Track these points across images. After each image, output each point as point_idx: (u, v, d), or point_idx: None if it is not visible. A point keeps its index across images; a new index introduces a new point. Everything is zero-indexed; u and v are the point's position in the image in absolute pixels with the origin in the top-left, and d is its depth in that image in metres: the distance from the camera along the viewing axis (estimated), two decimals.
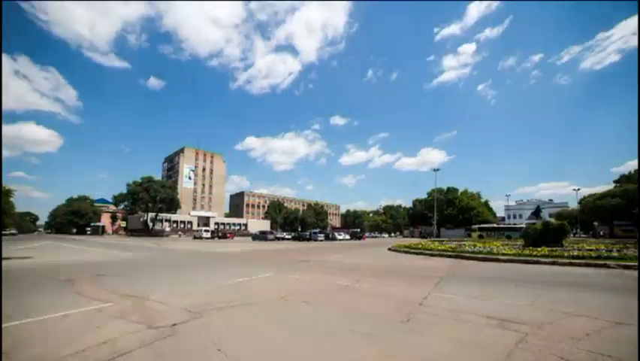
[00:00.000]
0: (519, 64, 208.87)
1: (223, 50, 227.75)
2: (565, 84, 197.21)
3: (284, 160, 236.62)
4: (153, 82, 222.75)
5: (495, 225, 77.26)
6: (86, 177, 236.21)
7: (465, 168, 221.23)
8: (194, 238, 64.32)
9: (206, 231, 66.81)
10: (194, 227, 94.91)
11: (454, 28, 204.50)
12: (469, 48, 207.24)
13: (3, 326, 5.11)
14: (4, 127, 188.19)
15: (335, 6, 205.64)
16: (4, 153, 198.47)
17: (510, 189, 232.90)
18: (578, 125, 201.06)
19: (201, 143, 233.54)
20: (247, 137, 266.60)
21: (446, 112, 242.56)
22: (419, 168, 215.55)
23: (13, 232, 52.34)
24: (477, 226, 72.45)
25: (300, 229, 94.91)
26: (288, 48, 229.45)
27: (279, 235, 61.24)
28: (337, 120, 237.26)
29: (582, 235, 77.10)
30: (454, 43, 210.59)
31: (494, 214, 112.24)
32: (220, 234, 71.57)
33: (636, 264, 12.98)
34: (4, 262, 14.26)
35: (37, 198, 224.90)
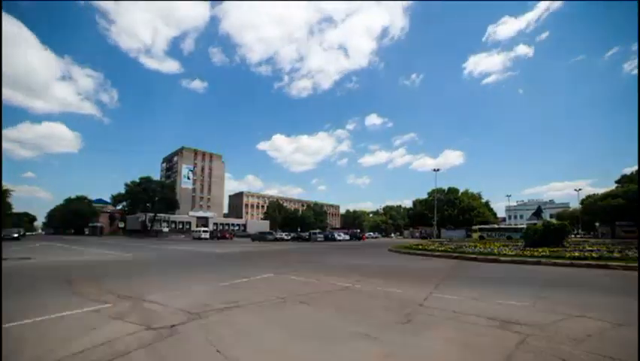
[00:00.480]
0: (556, 67, 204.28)
1: (277, 52, 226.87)
2: (600, 87, 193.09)
3: (305, 160, 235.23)
4: (197, 84, 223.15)
5: (496, 225, 77.33)
6: (95, 178, 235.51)
7: (480, 169, 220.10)
8: (194, 238, 64.29)
9: (205, 231, 66.82)
10: (193, 227, 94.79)
11: (504, 29, 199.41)
12: (509, 51, 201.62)
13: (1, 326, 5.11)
14: (30, 126, 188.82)
15: (390, 8, 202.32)
16: (24, 153, 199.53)
17: (525, 189, 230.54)
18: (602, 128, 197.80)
19: (221, 141, 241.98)
20: (275, 135, 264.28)
21: (476, 113, 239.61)
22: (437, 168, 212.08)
23: (15, 235, 50.49)
24: (477, 226, 72.50)
25: (299, 230, 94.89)
26: (340, 49, 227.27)
27: (278, 236, 61.23)
28: (374, 120, 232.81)
29: (583, 236, 77.10)
30: (500, 46, 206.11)
31: (495, 215, 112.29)
32: (219, 234, 71.57)
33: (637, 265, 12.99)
34: (2, 263, 14.25)
35: (42, 198, 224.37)
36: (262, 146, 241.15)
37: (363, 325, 5.47)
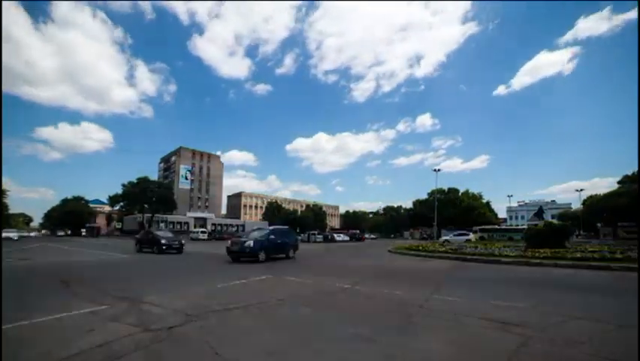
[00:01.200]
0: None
1: (354, 57, 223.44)
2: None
3: (340, 161, 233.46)
4: (261, 87, 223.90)
5: (496, 226, 77.35)
6: (91, 178, 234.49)
7: (479, 169, 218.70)
8: (191, 239, 64.26)
9: (203, 232, 66.82)
10: (191, 228, 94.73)
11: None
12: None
13: None
14: (66, 127, 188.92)
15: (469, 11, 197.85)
16: (57, 155, 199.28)
17: (527, 190, 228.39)
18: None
19: (257, 141, 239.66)
20: (318, 133, 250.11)
21: (516, 116, 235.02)
22: (464, 170, 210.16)
23: (12, 235, 49.99)
24: (478, 227, 72.52)
25: (298, 231, 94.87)
26: (414, 58, 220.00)
27: None
28: (425, 120, 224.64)
29: (585, 237, 77.10)
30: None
31: (496, 215, 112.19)
32: (217, 235, 71.55)
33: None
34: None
35: (37, 199, 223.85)
36: (297, 145, 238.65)
37: (363, 327, 5.47)
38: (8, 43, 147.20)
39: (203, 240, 61.19)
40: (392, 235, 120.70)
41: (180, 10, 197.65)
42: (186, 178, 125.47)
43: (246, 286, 9.79)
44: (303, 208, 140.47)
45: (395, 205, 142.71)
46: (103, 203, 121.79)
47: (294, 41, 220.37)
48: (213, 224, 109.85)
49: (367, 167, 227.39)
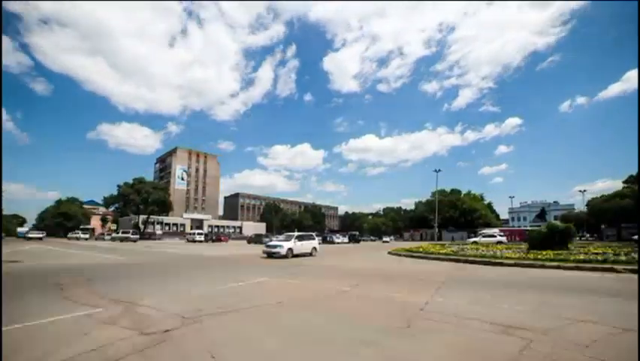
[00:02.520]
0: None
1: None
2: None
3: (380, 162, 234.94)
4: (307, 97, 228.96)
5: (498, 228, 77.32)
6: (85, 179, 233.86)
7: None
8: (188, 241, 64.12)
9: (200, 234, 66.67)
10: (187, 230, 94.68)
11: None
12: None
13: None
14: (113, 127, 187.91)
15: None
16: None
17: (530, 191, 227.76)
18: None
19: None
20: (366, 135, 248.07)
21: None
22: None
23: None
24: (497, 229, 72.31)
25: (296, 231, 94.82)
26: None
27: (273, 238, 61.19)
28: (515, 121, 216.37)
29: (589, 238, 77.07)
30: None
31: (498, 217, 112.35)
32: (214, 237, 71.42)
33: None
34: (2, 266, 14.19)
35: (30, 200, 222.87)
36: (340, 148, 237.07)
37: (362, 330, 5.47)
38: None
39: (200, 242, 61.02)
40: (391, 237, 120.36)
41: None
42: (182, 179, 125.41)
43: (244, 289, 9.78)
44: (302, 209, 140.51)
45: (395, 206, 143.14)
46: (97, 204, 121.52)
47: None
48: (210, 226, 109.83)
49: (403, 167, 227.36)
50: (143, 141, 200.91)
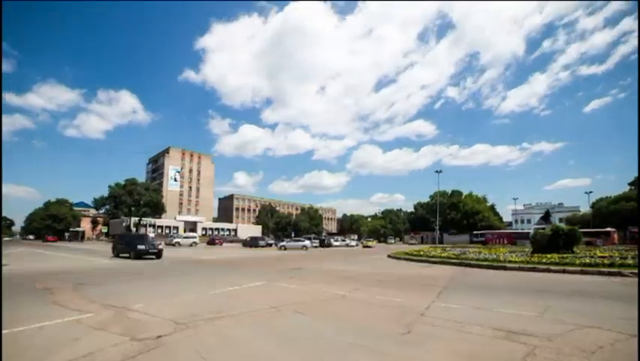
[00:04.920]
0: None
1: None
2: None
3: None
4: None
5: (499, 230, 77.47)
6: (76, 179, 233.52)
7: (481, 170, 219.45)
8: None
9: (193, 237, 66.58)
10: (181, 232, 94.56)
11: None
12: None
13: None
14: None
15: None
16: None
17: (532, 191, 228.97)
18: None
19: None
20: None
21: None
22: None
23: None
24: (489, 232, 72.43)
25: (293, 235, 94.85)
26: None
27: (270, 241, 61.16)
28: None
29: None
30: None
31: (501, 219, 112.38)
32: (208, 240, 71.38)
33: None
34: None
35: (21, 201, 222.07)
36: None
37: (361, 335, 5.47)
38: None
39: (195, 244, 60.92)
40: (391, 240, 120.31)
41: None
42: (175, 180, 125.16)
43: (240, 293, 9.76)
44: (298, 211, 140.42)
45: (395, 208, 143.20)
46: (88, 206, 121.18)
47: None
48: (204, 228, 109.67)
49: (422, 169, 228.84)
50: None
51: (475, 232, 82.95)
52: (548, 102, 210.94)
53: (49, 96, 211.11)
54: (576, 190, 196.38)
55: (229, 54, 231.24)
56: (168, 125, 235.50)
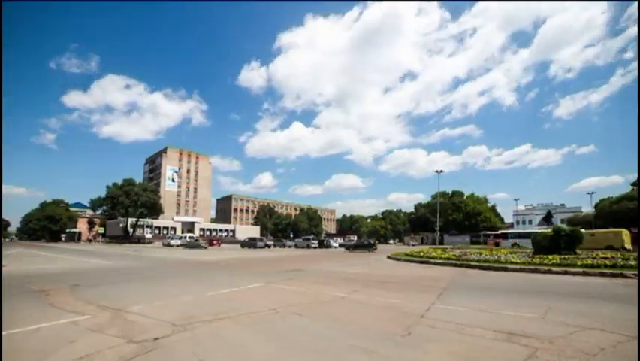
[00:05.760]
0: None
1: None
2: None
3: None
4: None
5: (499, 231, 77.39)
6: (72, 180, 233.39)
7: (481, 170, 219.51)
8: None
9: (191, 237, 66.62)
10: (178, 233, 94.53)
11: None
12: None
13: None
14: None
15: None
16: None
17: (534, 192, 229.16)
18: None
19: None
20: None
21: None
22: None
23: None
24: (494, 233, 72.27)
25: (292, 236, 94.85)
26: None
27: (269, 242, 61.17)
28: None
29: None
30: None
31: (502, 220, 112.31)
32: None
33: None
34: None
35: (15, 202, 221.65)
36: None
37: (360, 338, 5.48)
38: None
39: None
40: (391, 241, 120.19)
41: None
42: (173, 180, 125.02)
43: (238, 295, 9.77)
44: (297, 212, 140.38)
45: (395, 209, 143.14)
46: (84, 207, 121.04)
47: None
48: (202, 229, 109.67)
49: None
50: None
51: (472, 234, 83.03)
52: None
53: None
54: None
55: (301, 53, 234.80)
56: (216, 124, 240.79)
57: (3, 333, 5.52)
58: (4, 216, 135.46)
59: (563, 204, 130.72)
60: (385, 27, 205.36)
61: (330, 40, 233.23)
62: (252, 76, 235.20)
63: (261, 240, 62.21)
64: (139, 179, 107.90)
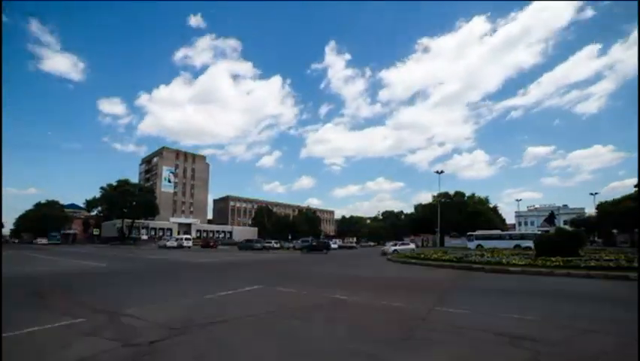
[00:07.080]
0: None
1: None
2: None
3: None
4: None
5: (498, 231, 77.40)
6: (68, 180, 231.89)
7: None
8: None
9: (187, 239, 66.60)
10: (175, 235, 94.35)
11: None
12: None
13: None
14: None
15: None
16: None
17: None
18: None
19: None
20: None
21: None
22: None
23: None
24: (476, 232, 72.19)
25: (290, 237, 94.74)
26: None
27: (266, 244, 61.14)
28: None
29: (600, 244, 77.02)
30: None
31: (504, 221, 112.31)
32: (202, 242, 71.40)
33: None
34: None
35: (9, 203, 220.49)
36: None
37: (360, 341, 5.47)
38: None
39: (188, 247, 60.92)
40: (387, 243, 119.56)
41: None
42: (169, 181, 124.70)
43: (235, 298, 9.76)
44: (296, 213, 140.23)
45: (395, 210, 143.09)
46: (79, 208, 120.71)
47: None
48: (199, 230, 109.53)
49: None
50: None
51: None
52: None
53: None
54: None
55: None
56: None
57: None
58: None
59: (565, 205, 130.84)
60: None
61: None
62: None
63: (258, 241, 62.20)
64: (134, 179, 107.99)
